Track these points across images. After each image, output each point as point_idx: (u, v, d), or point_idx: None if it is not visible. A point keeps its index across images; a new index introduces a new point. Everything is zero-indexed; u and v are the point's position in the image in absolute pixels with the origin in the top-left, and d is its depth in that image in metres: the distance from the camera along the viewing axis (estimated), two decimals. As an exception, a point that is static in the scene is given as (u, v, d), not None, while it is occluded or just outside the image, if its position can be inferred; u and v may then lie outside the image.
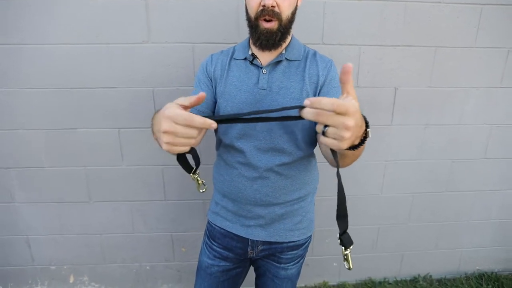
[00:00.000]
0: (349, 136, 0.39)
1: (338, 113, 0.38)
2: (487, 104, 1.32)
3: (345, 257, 0.53)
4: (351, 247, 0.54)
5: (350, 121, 0.38)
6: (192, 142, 0.43)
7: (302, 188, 0.78)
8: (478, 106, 1.32)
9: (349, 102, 0.39)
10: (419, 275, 1.57)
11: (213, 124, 0.41)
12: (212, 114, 0.77)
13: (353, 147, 0.47)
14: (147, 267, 1.43)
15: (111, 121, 1.21)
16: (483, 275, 1.58)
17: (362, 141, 0.47)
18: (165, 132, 0.41)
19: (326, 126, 0.40)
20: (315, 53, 0.77)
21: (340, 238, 0.54)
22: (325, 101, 0.37)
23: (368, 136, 0.47)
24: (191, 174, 0.64)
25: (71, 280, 1.42)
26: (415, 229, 1.48)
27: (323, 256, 1.47)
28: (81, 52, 1.12)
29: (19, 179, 1.26)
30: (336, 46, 1.19)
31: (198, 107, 0.75)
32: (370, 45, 1.20)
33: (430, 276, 1.58)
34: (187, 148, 0.45)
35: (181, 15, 1.11)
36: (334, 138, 0.40)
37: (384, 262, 1.53)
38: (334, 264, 1.50)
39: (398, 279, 1.56)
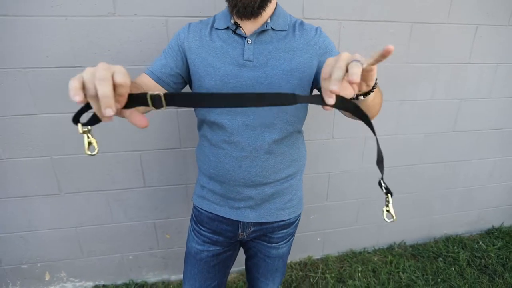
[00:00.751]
0: (360, 57, 0.41)
1: (341, 65, 0.40)
2: (457, 80, 1.38)
3: (388, 206, 0.46)
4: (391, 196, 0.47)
5: (346, 54, 0.41)
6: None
7: (291, 165, 0.76)
8: (449, 81, 1.38)
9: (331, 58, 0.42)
10: (394, 242, 1.69)
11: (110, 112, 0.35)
12: (173, 85, 0.72)
13: (369, 92, 0.49)
14: (130, 257, 1.38)
15: (76, 106, 1.10)
16: (449, 238, 1.74)
17: (374, 85, 0.48)
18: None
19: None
20: (302, 22, 0.73)
21: (382, 183, 0.48)
22: (335, 74, 0.39)
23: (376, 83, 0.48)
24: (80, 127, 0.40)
25: (47, 277, 1.33)
26: (393, 201, 1.56)
27: (307, 232, 1.52)
28: (35, 25, 0.98)
29: (-26, 173, 1.12)
30: (317, 21, 1.16)
31: (161, 74, 0.70)
32: (351, 20, 1.18)
33: (404, 243, 1.70)
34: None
35: (151, -16, 1.01)
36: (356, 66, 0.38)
37: (363, 234, 1.61)
38: (318, 239, 1.56)
39: (376, 248, 1.67)
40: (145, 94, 0.39)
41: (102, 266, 1.37)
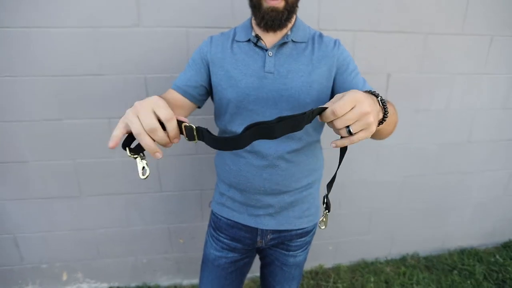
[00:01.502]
0: (373, 120, 0.42)
1: (352, 108, 0.41)
2: (472, 90, 1.38)
3: (324, 218, 0.60)
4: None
5: (365, 107, 0.41)
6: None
7: (310, 174, 0.78)
8: (464, 91, 1.38)
9: (349, 95, 0.42)
10: (407, 253, 1.67)
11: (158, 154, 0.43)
12: (199, 97, 0.75)
13: (381, 122, 0.49)
14: (144, 260, 1.41)
15: (101, 110, 1.15)
16: (464, 250, 1.70)
17: (385, 112, 0.49)
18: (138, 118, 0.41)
19: (347, 126, 0.42)
20: (320, 35, 0.74)
21: (326, 200, 0.60)
22: (339, 109, 0.41)
23: (385, 103, 0.49)
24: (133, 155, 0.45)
25: (64, 277, 1.37)
26: (405, 211, 1.55)
27: (319, 241, 1.51)
28: (65, 36, 1.04)
29: (3, 175, 1.18)
30: (332, 32, 1.18)
31: (187, 88, 0.73)
32: (365, 31, 1.21)
33: (418, 254, 1.67)
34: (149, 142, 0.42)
35: (174, -2, 1.06)
36: (363, 129, 0.42)
37: (375, 244, 1.60)
38: (330, 247, 1.55)
39: (389, 258, 1.64)
40: (191, 128, 0.43)
41: (117, 268, 1.40)
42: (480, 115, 1.43)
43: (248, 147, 0.72)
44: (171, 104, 0.59)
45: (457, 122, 1.42)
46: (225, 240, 0.82)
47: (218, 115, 0.78)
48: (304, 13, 1.13)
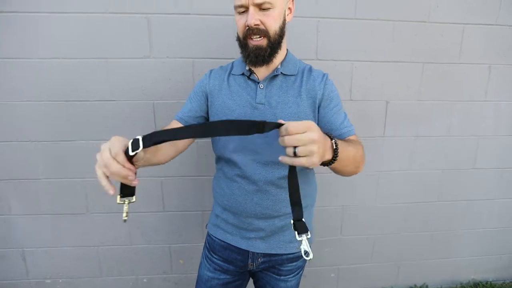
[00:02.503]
0: (317, 149, 0.48)
1: (302, 132, 0.47)
2: (473, 117, 1.38)
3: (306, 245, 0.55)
4: (306, 235, 0.57)
5: (314, 134, 0.47)
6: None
7: (301, 200, 0.80)
8: (465, 118, 1.38)
9: (306, 121, 0.48)
10: (415, 285, 1.59)
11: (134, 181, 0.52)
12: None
13: (328, 163, 0.56)
14: (144, 280, 1.41)
15: (110, 133, 1.23)
16: (478, 284, 1.60)
17: (335, 154, 0.55)
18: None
19: (295, 147, 0.48)
20: (310, 68, 0.79)
21: (293, 222, 0.58)
22: (292, 127, 0.47)
23: (338, 149, 0.55)
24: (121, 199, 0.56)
25: (66, 294, 1.39)
26: (410, 238, 1.50)
27: (320, 267, 1.48)
28: (78, 65, 1.15)
29: (16, 191, 1.26)
30: (330, 62, 1.25)
31: (188, 118, 0.80)
32: (362, 60, 1.26)
33: (427, 286, 1.59)
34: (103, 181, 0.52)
35: (182, 32, 1.16)
36: (306, 156, 0.47)
37: (381, 272, 1.54)
38: (332, 275, 1.51)
39: (395, 289, 1.57)
40: (126, 149, 0.51)
41: (118, 286, 1.41)
42: (485, 142, 1.41)
43: (239, 172, 0.76)
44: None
45: (460, 148, 1.41)
46: (218, 262, 0.84)
47: (214, 142, 0.83)
48: (303, 44, 1.22)
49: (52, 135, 1.22)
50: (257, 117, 0.74)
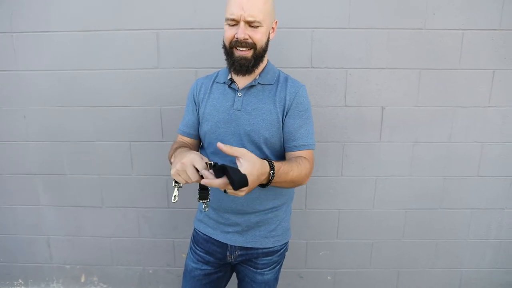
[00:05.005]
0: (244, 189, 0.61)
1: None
2: (476, 123, 1.35)
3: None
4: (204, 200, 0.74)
5: (243, 168, 0.60)
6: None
7: (276, 198, 0.86)
8: (467, 124, 1.35)
9: (245, 167, 0.60)
10: (417, 294, 1.55)
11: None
12: (197, 134, 0.93)
13: (264, 185, 0.67)
14: (150, 271, 1.54)
15: (124, 135, 1.39)
16: (488, 298, 1.52)
17: (269, 180, 0.67)
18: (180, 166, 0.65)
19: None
20: (286, 78, 0.86)
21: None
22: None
23: (273, 177, 0.67)
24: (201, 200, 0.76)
25: (83, 279, 1.55)
26: (410, 245, 1.48)
27: (317, 269, 1.50)
28: (98, 76, 1.32)
29: (45, 185, 1.45)
30: (324, 69, 1.30)
31: (188, 130, 0.91)
32: (356, 68, 1.30)
33: (430, 296, 1.54)
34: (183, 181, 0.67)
35: (186, 44, 1.29)
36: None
37: (379, 279, 1.53)
38: (328, 277, 1.52)
39: (396, 297, 1.54)
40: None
41: (127, 275, 1.54)
42: (490, 149, 1.37)
43: None
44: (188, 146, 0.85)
45: (463, 155, 1.38)
46: (200, 253, 0.92)
47: (201, 145, 0.93)
48: (298, 52, 1.29)
49: (77, 136, 1.39)
50: (234, 121, 0.82)
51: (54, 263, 1.54)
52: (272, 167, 0.66)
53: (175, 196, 0.73)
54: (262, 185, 0.68)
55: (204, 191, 0.73)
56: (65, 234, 1.51)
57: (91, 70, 1.32)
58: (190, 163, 0.63)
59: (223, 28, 1.26)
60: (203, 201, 0.74)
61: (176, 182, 0.70)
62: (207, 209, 0.74)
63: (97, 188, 1.44)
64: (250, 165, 0.60)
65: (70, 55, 1.31)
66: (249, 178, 0.59)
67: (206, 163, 0.64)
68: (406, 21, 1.26)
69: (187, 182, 0.66)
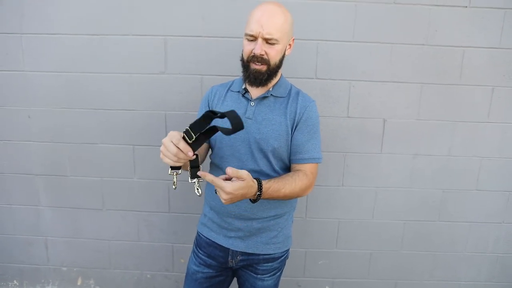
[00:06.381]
0: (225, 199, 0.68)
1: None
2: (476, 138, 1.38)
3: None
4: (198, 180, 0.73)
5: (224, 195, 0.68)
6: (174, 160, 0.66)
7: (278, 207, 0.88)
8: (467, 139, 1.38)
9: (231, 185, 0.67)
10: (415, 306, 1.55)
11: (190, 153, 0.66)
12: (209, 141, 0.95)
13: (253, 200, 0.75)
14: (148, 275, 1.53)
15: (128, 138, 1.39)
16: (485, 312, 1.53)
17: (256, 198, 0.74)
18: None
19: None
20: (298, 92, 0.90)
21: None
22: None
23: (259, 197, 0.74)
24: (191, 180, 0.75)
25: (79, 282, 1.54)
26: (408, 256, 1.49)
27: (315, 278, 1.51)
28: (107, 80, 1.33)
29: (46, 185, 1.45)
30: (328, 81, 1.33)
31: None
32: (360, 80, 1.33)
33: (427, 308, 1.55)
34: (170, 162, 0.67)
35: (193, 51, 1.31)
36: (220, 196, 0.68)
37: (377, 290, 1.53)
38: (326, 287, 1.52)
39: (393, 309, 1.54)
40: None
41: (124, 280, 1.53)
42: (489, 163, 1.40)
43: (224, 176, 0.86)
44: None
45: (463, 169, 1.40)
46: (202, 257, 0.93)
47: (212, 150, 0.94)
48: (303, 64, 1.31)
49: (80, 138, 1.39)
50: (245, 128, 0.83)
51: (50, 264, 1.53)
52: (260, 188, 0.73)
53: (174, 182, 0.75)
54: (251, 200, 0.75)
55: (194, 169, 0.73)
56: (64, 236, 1.50)
57: (98, 73, 1.33)
58: (168, 141, 0.64)
59: (229, 37, 1.31)
60: (193, 180, 0.73)
61: (172, 168, 0.71)
62: (199, 190, 0.74)
63: (98, 190, 1.44)
64: (238, 185, 0.67)
65: (78, 58, 1.32)
66: (231, 196, 0.67)
67: (186, 130, 0.65)
68: (409, 37, 1.29)
69: (178, 163, 0.67)
